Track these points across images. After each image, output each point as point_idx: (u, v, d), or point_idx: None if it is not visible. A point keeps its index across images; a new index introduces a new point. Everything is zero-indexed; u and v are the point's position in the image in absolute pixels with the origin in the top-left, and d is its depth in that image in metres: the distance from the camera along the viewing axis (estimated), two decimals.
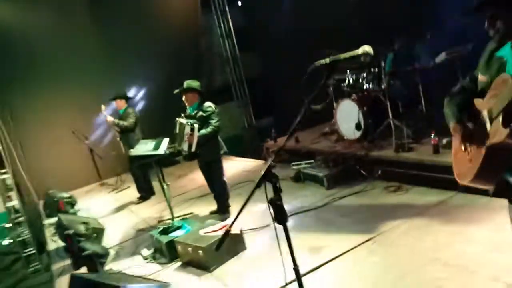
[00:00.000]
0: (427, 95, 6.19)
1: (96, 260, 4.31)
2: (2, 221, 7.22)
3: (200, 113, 5.35)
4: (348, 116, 6.69)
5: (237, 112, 10.04)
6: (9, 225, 6.81)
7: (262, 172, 2.01)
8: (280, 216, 2.02)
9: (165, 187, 5.28)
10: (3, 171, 6.70)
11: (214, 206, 5.81)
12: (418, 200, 4.89)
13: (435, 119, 5.79)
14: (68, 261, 5.22)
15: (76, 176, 8.64)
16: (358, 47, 1.95)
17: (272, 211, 2.02)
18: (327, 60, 2.02)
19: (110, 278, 4.02)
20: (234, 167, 8.26)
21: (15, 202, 6.75)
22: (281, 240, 2.12)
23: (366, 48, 1.94)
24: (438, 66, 6.03)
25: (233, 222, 2.18)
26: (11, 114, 8.35)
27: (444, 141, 5.24)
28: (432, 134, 5.27)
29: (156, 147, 5.35)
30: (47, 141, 8.60)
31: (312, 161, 6.68)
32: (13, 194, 6.76)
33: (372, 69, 6.52)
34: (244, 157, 8.77)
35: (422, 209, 4.59)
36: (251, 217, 5.28)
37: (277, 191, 2.01)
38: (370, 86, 6.56)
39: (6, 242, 7.07)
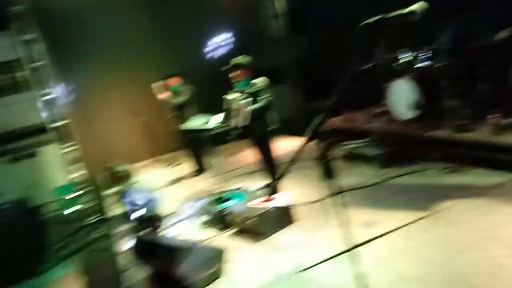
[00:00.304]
0: (487, 74, 5.92)
1: (155, 225, 4.57)
2: (67, 192, 7.78)
3: (251, 88, 5.35)
4: (402, 96, 6.53)
5: (288, 95, 10.05)
6: (74, 195, 7.35)
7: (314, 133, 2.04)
8: (329, 173, 2.07)
9: (216, 162, 5.44)
10: (69, 144, 7.20)
11: (264, 182, 5.92)
12: (477, 181, 4.75)
13: (495, 99, 5.55)
14: (127, 227, 5.52)
15: (132, 151, 9.03)
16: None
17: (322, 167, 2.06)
18: (376, 18, 2.03)
19: (170, 241, 4.26)
20: (285, 146, 8.31)
21: (79, 174, 7.25)
22: (335, 213, 2.16)
23: (415, 6, 1.91)
24: (499, 43, 5.74)
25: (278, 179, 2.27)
26: (74, 91, 8.87)
27: (505, 121, 5.03)
28: (492, 115, 5.07)
29: (207, 122, 5.51)
30: (106, 117, 9.05)
31: (365, 140, 6.60)
32: (78, 166, 7.27)
33: (428, 46, 6.31)
34: (295, 137, 8.78)
35: (481, 190, 4.46)
36: (306, 191, 5.35)
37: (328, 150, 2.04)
38: (427, 64, 6.36)
39: (70, 211, 7.57)
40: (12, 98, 8.26)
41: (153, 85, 7.77)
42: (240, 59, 5.46)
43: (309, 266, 3.80)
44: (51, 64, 7.29)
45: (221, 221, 4.82)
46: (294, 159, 2.36)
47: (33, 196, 7.57)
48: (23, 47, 7.06)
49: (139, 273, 4.26)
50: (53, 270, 6.29)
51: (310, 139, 2.11)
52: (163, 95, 7.62)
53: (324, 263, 3.77)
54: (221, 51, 10.38)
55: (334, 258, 3.73)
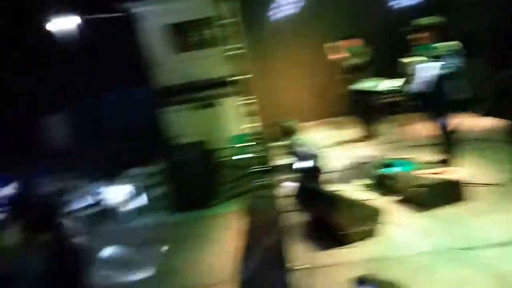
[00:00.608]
0: None
1: (317, 177, 4.73)
2: (239, 141, 8.55)
3: (436, 52, 4.84)
4: None
5: (480, 67, 8.82)
6: (245, 144, 8.04)
7: None
8: None
9: (386, 130, 5.26)
10: (246, 98, 7.81)
11: (435, 157, 5.51)
12: None
13: None
14: (290, 177, 5.77)
15: (302, 110, 9.25)
16: None
17: None
18: None
19: (331, 193, 4.38)
20: (466, 122, 7.50)
21: (252, 126, 7.86)
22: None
23: None
24: None
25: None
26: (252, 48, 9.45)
27: None
28: None
29: (380, 85, 5.31)
30: (282, 73, 9.43)
31: None
32: (251, 119, 7.87)
33: None
34: (484, 115, 7.79)
35: None
36: (482, 172, 4.84)
37: None
38: None
39: (240, 158, 8.32)
40: (200, 52, 9.29)
41: (327, 45, 7.71)
42: (430, 20, 4.99)
43: (476, 245, 3.49)
44: (238, 21, 7.86)
45: (383, 185, 4.72)
46: (476, 137, 2.13)
47: (211, 141, 8.57)
48: (215, 5, 7.76)
49: (298, 218, 4.49)
50: (221, 206, 7.12)
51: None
52: (336, 56, 7.53)
53: (496, 247, 3.41)
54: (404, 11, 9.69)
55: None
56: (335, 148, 7.51)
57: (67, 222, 5.11)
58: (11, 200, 6.58)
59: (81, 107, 13.05)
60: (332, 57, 7.66)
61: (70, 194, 7.81)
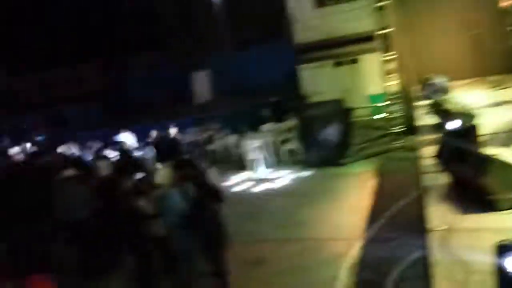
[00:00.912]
0: None
1: (470, 137, 4.17)
2: (379, 99, 8.03)
3: None
4: None
5: None
6: (384, 103, 7.51)
7: None
8: None
9: None
10: (389, 54, 7.22)
11: None
12: None
13: None
14: (435, 137, 5.22)
15: (454, 67, 8.23)
16: None
17: None
18: None
19: (480, 154, 3.85)
20: None
21: (393, 84, 7.29)
22: None
23: None
24: None
25: None
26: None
27: None
28: None
29: None
30: (433, 29, 8.47)
31: None
32: (393, 76, 7.29)
33: None
34: None
35: None
36: None
37: None
38: None
39: (378, 117, 7.85)
40: (345, 5, 8.80)
41: None
42: None
43: None
44: None
45: None
46: None
47: (348, 99, 8.23)
48: None
49: (440, 180, 4.07)
50: (354, 165, 6.87)
51: None
52: (508, 2, 6.35)
53: None
54: None
55: None
56: (492, 109, 6.54)
57: (207, 167, 5.51)
58: (162, 144, 7.30)
59: (221, 62, 13.74)
60: (504, 3, 6.50)
61: (209, 143, 8.41)
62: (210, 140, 8.47)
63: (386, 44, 7.29)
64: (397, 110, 7.10)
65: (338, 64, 9.06)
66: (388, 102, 7.23)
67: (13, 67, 18.91)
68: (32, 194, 5.22)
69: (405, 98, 7.16)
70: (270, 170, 7.03)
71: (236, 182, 6.93)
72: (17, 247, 2.91)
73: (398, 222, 4.32)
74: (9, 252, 2.77)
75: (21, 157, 7.67)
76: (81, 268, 4.38)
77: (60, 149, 7.33)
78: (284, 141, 7.54)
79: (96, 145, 7.75)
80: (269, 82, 11.60)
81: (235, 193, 6.23)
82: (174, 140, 7.59)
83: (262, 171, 6.97)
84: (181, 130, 8.30)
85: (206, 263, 3.74)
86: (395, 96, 7.21)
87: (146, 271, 4.09)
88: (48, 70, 19.47)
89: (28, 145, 8.75)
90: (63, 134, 9.42)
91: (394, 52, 7.24)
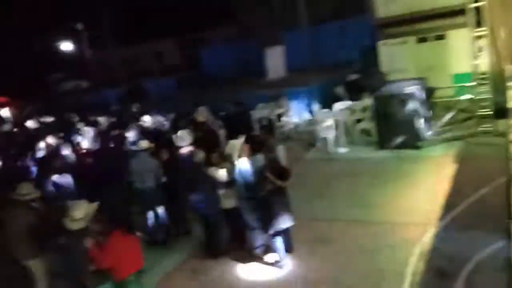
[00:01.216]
0: None
1: None
2: (465, 80, 7.41)
3: None
4: None
5: None
6: (471, 84, 6.91)
7: None
8: None
9: None
10: (481, 29, 6.56)
11: None
12: None
13: None
14: None
15: None
16: None
17: None
18: None
19: None
20: None
21: (483, 62, 6.64)
22: None
23: None
24: None
25: None
26: None
27: None
28: None
29: None
30: None
31: None
32: (485, 54, 6.63)
33: None
34: None
35: None
36: None
37: None
38: None
39: (464, 98, 7.29)
40: None
41: None
42: None
43: None
44: None
45: None
46: None
47: (431, 78, 7.68)
48: None
49: None
50: (432, 148, 6.44)
51: None
52: None
53: None
54: None
55: None
56: None
57: (276, 144, 5.50)
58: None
59: (296, 37, 13.50)
60: None
61: (281, 120, 8.35)
62: (281, 116, 8.41)
63: (478, 19, 6.63)
64: (486, 91, 6.48)
65: (422, 40, 8.48)
66: (476, 83, 6.63)
67: (98, 42, 20.24)
68: (113, 162, 5.62)
69: (496, 78, 6.51)
70: (342, 149, 6.84)
71: (307, 160, 6.85)
72: (106, 207, 3.24)
73: (479, 210, 4.03)
74: (100, 210, 3.11)
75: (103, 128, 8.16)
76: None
77: (137, 122, 7.68)
78: (358, 120, 7.26)
79: (172, 117, 8.00)
80: (345, 59, 11.20)
81: (305, 171, 6.15)
82: (246, 114, 7.62)
83: (334, 150, 6.81)
84: (253, 105, 8.31)
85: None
86: (484, 76, 6.58)
87: (214, 239, 4.24)
88: (130, 46, 20.65)
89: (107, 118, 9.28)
90: (141, 106, 9.90)
91: (486, 28, 6.58)
